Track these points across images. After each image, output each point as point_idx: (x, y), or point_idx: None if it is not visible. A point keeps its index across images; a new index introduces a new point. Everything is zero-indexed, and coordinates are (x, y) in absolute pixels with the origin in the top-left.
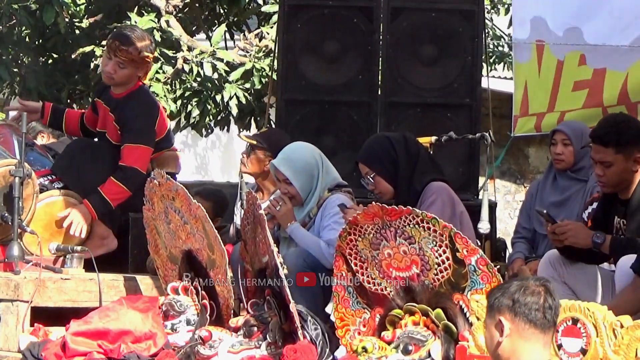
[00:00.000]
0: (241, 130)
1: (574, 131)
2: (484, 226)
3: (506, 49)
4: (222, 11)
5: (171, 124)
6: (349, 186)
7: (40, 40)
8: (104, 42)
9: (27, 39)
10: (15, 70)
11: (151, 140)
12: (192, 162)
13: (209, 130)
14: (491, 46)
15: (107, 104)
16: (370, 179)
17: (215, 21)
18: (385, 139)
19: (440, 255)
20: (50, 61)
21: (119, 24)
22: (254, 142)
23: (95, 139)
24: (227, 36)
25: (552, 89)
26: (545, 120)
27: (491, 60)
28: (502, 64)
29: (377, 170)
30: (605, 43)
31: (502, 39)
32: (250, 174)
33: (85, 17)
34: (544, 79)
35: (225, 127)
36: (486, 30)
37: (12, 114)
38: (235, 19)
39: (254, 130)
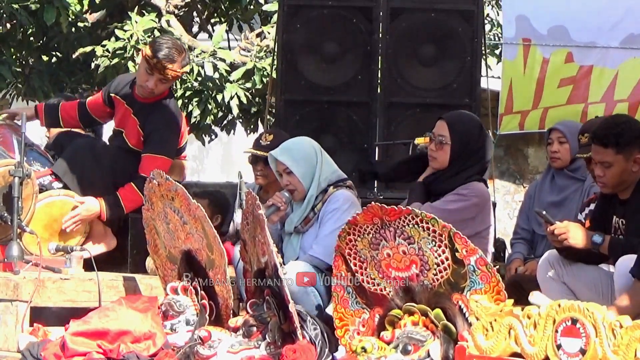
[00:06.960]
0: (247, 131)
1: (569, 129)
2: None
3: None
4: (224, 9)
5: None
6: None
7: (44, 39)
8: (104, 42)
9: (30, 39)
10: (18, 70)
11: (172, 153)
12: (190, 162)
13: (213, 137)
14: (496, 39)
15: (130, 105)
16: (439, 141)
17: (221, 18)
18: (478, 125)
19: (440, 255)
20: (53, 60)
21: (120, 23)
22: (264, 153)
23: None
24: (229, 36)
25: (536, 87)
26: (529, 117)
27: (498, 52)
28: None
29: (453, 140)
30: (595, 42)
31: None
32: (262, 184)
33: (89, 12)
34: (528, 77)
35: (232, 130)
36: (490, 19)
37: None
38: (236, 17)
39: (260, 130)
